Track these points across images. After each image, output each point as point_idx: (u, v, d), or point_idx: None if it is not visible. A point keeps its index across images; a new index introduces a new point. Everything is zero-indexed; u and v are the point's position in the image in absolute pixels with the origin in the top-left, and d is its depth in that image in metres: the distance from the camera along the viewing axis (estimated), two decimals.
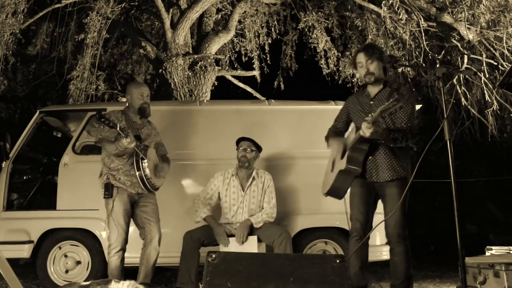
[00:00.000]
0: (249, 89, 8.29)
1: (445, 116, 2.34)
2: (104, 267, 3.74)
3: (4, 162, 4.17)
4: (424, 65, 6.75)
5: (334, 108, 4.16)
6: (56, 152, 4.64)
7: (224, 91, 8.13)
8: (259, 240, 3.59)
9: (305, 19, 7.43)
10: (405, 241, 2.89)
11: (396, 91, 3.00)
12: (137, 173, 3.34)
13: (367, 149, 2.91)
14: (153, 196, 3.56)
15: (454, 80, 6.65)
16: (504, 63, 6.31)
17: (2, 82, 8.46)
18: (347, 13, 7.57)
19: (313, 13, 7.46)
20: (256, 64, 8.22)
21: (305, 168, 4.17)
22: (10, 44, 6.21)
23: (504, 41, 6.13)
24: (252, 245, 3.51)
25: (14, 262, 3.61)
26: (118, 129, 3.18)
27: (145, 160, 3.36)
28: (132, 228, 3.50)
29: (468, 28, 6.25)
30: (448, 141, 2.33)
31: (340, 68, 7.65)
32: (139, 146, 3.36)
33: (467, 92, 6.87)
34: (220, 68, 7.54)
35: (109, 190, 3.34)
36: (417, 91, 7.46)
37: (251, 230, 3.58)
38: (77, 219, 4.04)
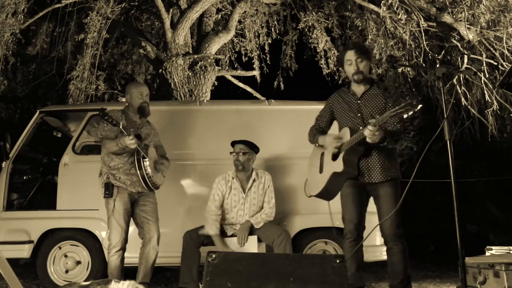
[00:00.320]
0: (249, 89, 8.30)
1: (445, 116, 2.34)
2: (104, 267, 3.74)
3: (4, 162, 4.17)
4: (424, 65, 6.75)
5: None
6: (56, 152, 4.64)
7: (224, 91, 8.13)
8: (259, 240, 3.59)
9: (305, 19, 7.44)
10: (402, 240, 2.87)
11: (386, 90, 3.00)
12: (138, 172, 3.34)
13: (363, 151, 2.89)
14: (153, 195, 3.56)
15: (454, 80, 6.65)
16: (504, 63, 6.31)
17: (2, 82, 8.45)
18: (347, 13, 7.57)
19: (313, 13, 7.47)
20: (256, 64, 8.22)
21: (305, 168, 4.15)
22: (10, 44, 6.21)
23: (504, 41, 6.13)
24: (252, 245, 3.51)
25: (14, 262, 3.61)
26: (121, 127, 3.18)
27: (147, 159, 3.36)
28: (132, 228, 3.50)
29: (468, 28, 6.25)
30: (448, 141, 2.33)
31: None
32: (140, 145, 3.36)
33: (467, 92, 6.87)
34: (220, 68, 7.54)
35: (109, 189, 3.35)
36: (417, 91, 7.47)
37: (251, 230, 3.58)
38: (77, 219, 4.04)
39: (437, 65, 5.97)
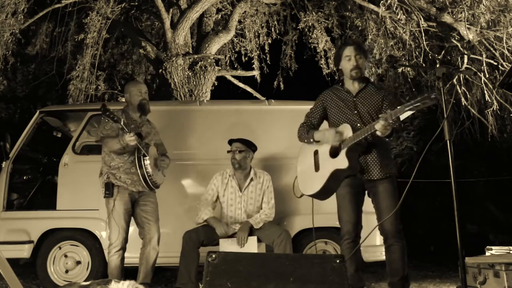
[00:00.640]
0: (249, 89, 8.30)
1: (445, 116, 2.34)
2: (104, 267, 3.74)
3: (4, 162, 4.17)
4: (424, 65, 6.75)
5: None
6: (56, 152, 4.64)
7: (224, 91, 8.13)
8: (259, 240, 3.59)
9: (305, 19, 7.44)
10: (402, 236, 2.85)
11: (381, 90, 3.01)
12: (139, 171, 3.34)
13: (365, 148, 2.87)
14: (154, 195, 3.56)
15: (454, 80, 6.65)
16: (504, 63, 6.31)
17: (2, 82, 8.46)
18: (347, 13, 7.57)
19: (313, 13, 7.47)
20: (256, 64, 8.22)
21: None
22: (10, 44, 6.21)
23: (504, 41, 6.13)
24: (252, 245, 3.51)
25: (14, 262, 3.62)
26: (122, 123, 3.18)
27: (147, 157, 3.36)
28: (132, 228, 3.50)
29: (468, 28, 6.25)
30: (448, 141, 2.33)
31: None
32: (141, 143, 3.36)
33: (467, 92, 6.87)
34: (220, 68, 7.54)
35: (109, 189, 3.35)
36: (417, 91, 7.47)
37: (251, 231, 3.58)
38: (77, 219, 4.04)
39: (437, 65, 5.97)
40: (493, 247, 3.65)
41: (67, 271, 4.02)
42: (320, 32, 7.46)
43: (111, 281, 1.94)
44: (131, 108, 3.57)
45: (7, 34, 6.05)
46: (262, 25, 8.32)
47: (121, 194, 3.36)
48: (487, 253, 3.60)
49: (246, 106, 4.78)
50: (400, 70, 7.03)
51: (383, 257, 4.04)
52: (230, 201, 3.70)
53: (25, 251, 3.93)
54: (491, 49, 6.41)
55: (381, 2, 6.22)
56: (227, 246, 3.51)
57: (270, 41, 8.36)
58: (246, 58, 8.42)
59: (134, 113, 3.57)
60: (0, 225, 4.01)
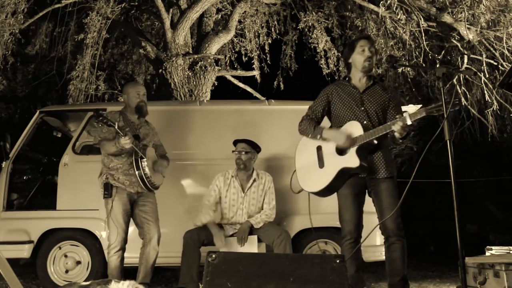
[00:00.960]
0: (249, 89, 8.30)
1: (445, 116, 2.33)
2: (104, 267, 3.74)
3: (4, 162, 4.17)
4: (424, 65, 6.75)
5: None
6: (56, 152, 4.64)
7: (224, 91, 8.13)
8: (259, 240, 3.59)
9: (305, 19, 7.44)
10: (403, 235, 2.84)
11: (387, 90, 3.02)
12: (136, 172, 3.34)
13: (374, 147, 2.84)
14: (153, 195, 3.56)
15: (454, 80, 6.65)
16: (504, 63, 6.31)
17: (2, 82, 8.46)
18: (347, 13, 7.57)
19: (313, 13, 7.47)
20: (256, 64, 8.22)
21: None
22: (9, 44, 6.21)
23: (504, 41, 6.13)
24: (252, 245, 3.51)
25: (14, 262, 3.62)
26: (116, 127, 3.18)
27: (145, 159, 3.36)
28: (132, 228, 3.50)
29: (468, 28, 6.25)
30: (448, 141, 2.33)
31: (340, 68, 7.65)
32: (138, 145, 3.36)
33: (467, 92, 6.87)
34: (220, 68, 7.54)
35: (108, 190, 3.35)
36: (417, 91, 7.47)
37: (251, 231, 3.58)
38: (77, 219, 4.04)
39: (437, 65, 5.97)
40: (493, 247, 3.65)
41: (67, 271, 4.02)
42: (320, 32, 7.46)
43: (111, 281, 1.94)
44: (129, 110, 3.57)
45: (7, 34, 6.05)
46: (262, 25, 8.32)
47: (119, 195, 3.36)
48: (487, 253, 3.60)
49: (246, 106, 4.78)
50: (400, 70, 7.03)
51: (383, 257, 4.04)
52: (232, 202, 3.70)
53: (25, 251, 3.93)
54: (491, 49, 6.41)
55: (381, 2, 6.22)
56: (227, 247, 3.51)
57: (270, 41, 8.36)
58: (246, 58, 8.42)
59: (132, 115, 3.57)
60: (0, 225, 4.01)
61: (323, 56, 7.60)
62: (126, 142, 3.20)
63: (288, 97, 6.39)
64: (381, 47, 6.80)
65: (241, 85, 8.28)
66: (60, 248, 4.06)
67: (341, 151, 2.87)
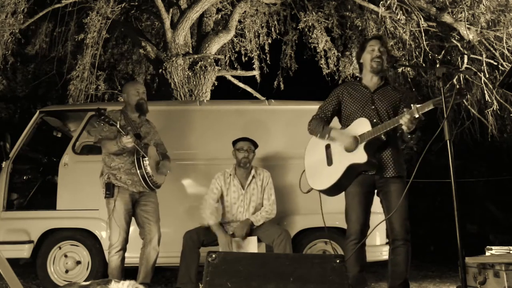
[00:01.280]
0: (249, 89, 8.30)
1: (445, 116, 2.33)
2: (104, 267, 3.74)
3: (4, 162, 4.17)
4: (424, 65, 6.75)
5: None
6: (56, 152, 4.64)
7: (224, 91, 8.13)
8: (259, 240, 3.59)
9: (305, 19, 7.43)
10: (409, 239, 2.82)
11: (399, 90, 3.01)
12: (138, 171, 3.34)
13: (382, 144, 2.82)
14: (154, 195, 3.56)
15: (454, 80, 6.65)
16: (504, 63, 6.31)
17: (2, 82, 8.45)
18: (347, 13, 7.57)
19: (313, 13, 7.47)
20: (256, 64, 8.22)
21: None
22: (9, 44, 6.21)
23: (504, 41, 6.14)
24: (252, 245, 3.51)
25: (14, 262, 3.61)
26: (118, 126, 3.18)
27: (146, 158, 3.36)
28: (132, 228, 3.50)
29: (468, 28, 6.25)
30: (448, 141, 2.32)
31: (340, 68, 7.66)
32: (140, 144, 3.36)
33: (467, 92, 6.86)
34: (220, 68, 7.54)
35: (110, 189, 3.34)
36: (417, 91, 7.47)
37: (251, 230, 3.58)
38: (77, 219, 4.04)
39: (437, 65, 5.96)
40: (493, 247, 3.65)
41: (67, 271, 4.02)
42: (320, 32, 7.46)
43: (111, 281, 1.94)
44: (129, 109, 3.57)
45: (7, 34, 6.04)
46: (262, 25, 8.32)
47: (121, 195, 3.36)
48: (487, 253, 3.60)
49: (246, 106, 4.78)
50: (400, 70, 7.03)
51: (383, 257, 4.05)
52: (233, 200, 3.71)
53: (25, 251, 3.93)
54: (491, 49, 6.41)
55: (381, 2, 6.22)
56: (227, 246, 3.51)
57: (270, 41, 8.35)
58: (246, 58, 8.42)
59: (133, 114, 3.57)
60: (0, 225, 4.01)
61: (323, 56, 7.59)
62: (128, 141, 3.20)
63: (288, 97, 6.39)
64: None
65: (241, 85, 8.28)
66: (60, 248, 4.06)
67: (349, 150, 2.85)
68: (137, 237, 3.52)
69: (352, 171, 2.81)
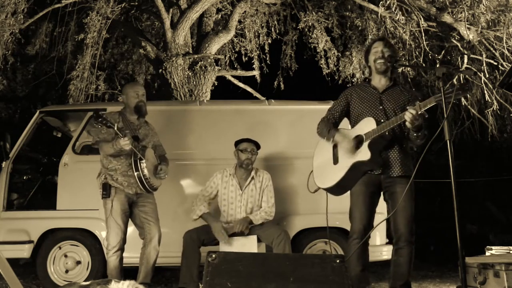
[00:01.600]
0: (249, 89, 8.29)
1: (445, 116, 2.33)
2: (104, 267, 3.74)
3: (4, 162, 4.17)
4: (424, 65, 6.75)
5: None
6: (56, 152, 4.64)
7: (224, 91, 8.13)
8: (259, 240, 3.59)
9: (305, 19, 7.43)
10: (413, 241, 2.82)
11: (408, 91, 3.02)
12: (135, 174, 3.34)
13: (387, 142, 2.84)
14: (152, 196, 3.56)
15: (454, 80, 6.65)
16: (504, 63, 6.31)
17: (2, 82, 8.45)
18: (347, 13, 7.57)
19: (313, 13, 7.46)
20: (256, 64, 8.21)
21: (305, 168, 4.13)
22: (9, 44, 6.20)
23: (504, 41, 6.14)
24: (252, 245, 3.51)
25: (14, 262, 3.62)
26: (116, 128, 3.18)
27: (143, 161, 3.36)
28: (132, 228, 3.50)
29: (468, 28, 6.25)
30: (448, 141, 2.32)
31: (340, 68, 7.66)
32: (137, 146, 3.36)
33: (469, 87, 6.85)
34: (220, 68, 7.54)
35: (107, 190, 3.35)
36: (417, 91, 7.47)
37: (250, 229, 3.58)
38: (77, 219, 4.04)
39: (437, 65, 5.97)
40: (493, 247, 3.65)
41: (67, 271, 4.02)
42: (320, 32, 7.45)
43: (111, 281, 1.94)
44: (128, 111, 3.57)
45: (7, 34, 6.04)
46: (262, 25, 8.31)
47: (118, 195, 3.36)
48: (487, 253, 3.60)
49: (246, 106, 4.77)
50: (400, 70, 7.03)
51: (383, 257, 4.05)
52: (231, 199, 3.71)
53: (25, 251, 3.92)
54: (491, 49, 6.41)
55: (381, 2, 6.22)
56: (227, 246, 3.50)
57: (270, 41, 8.35)
58: (246, 58, 8.42)
59: (131, 115, 3.56)
60: (0, 225, 4.01)
61: (323, 56, 7.59)
62: (125, 143, 3.20)
63: (288, 97, 6.40)
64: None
65: (241, 85, 8.28)
66: (60, 248, 4.06)
67: (356, 147, 2.87)
68: (136, 237, 3.52)
69: (356, 169, 2.83)
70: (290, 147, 4.28)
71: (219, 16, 8.06)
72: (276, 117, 4.46)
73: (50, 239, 4.03)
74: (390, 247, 3.07)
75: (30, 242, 3.96)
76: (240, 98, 7.55)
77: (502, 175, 9.05)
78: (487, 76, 6.44)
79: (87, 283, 2.01)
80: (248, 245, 3.51)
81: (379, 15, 6.63)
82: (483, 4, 5.97)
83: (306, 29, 7.58)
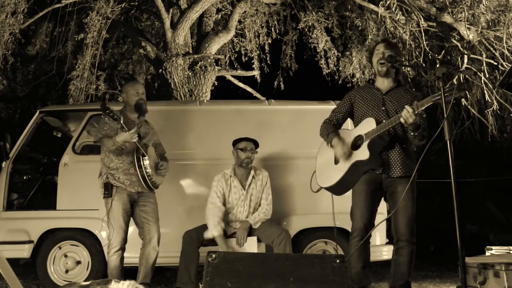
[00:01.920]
0: (249, 89, 8.29)
1: (445, 116, 2.33)
2: (104, 267, 3.74)
3: (4, 162, 4.17)
4: (424, 65, 6.75)
5: (334, 108, 4.15)
6: (56, 152, 4.64)
7: (224, 91, 8.13)
8: (259, 240, 3.59)
9: (305, 19, 7.43)
10: (414, 241, 2.83)
11: (411, 92, 3.04)
12: (138, 171, 3.34)
13: (387, 143, 2.85)
14: (153, 195, 3.56)
15: (454, 80, 6.65)
16: (504, 63, 6.31)
17: (2, 82, 8.45)
18: (347, 13, 7.57)
19: (313, 13, 7.46)
20: (256, 64, 8.21)
21: (305, 168, 4.14)
22: (9, 44, 6.20)
23: (504, 41, 6.14)
24: (252, 246, 3.51)
25: (14, 262, 3.61)
26: (121, 121, 3.18)
27: (146, 157, 3.36)
28: (132, 227, 3.50)
29: (468, 28, 6.25)
30: (448, 141, 2.32)
31: (340, 68, 7.65)
32: (140, 142, 3.36)
33: (467, 92, 6.86)
34: (220, 68, 7.54)
35: (108, 189, 3.35)
36: (417, 91, 7.46)
37: (251, 230, 3.58)
38: (77, 219, 4.04)
39: (437, 65, 5.97)
40: (493, 247, 3.65)
41: (67, 271, 4.02)
42: (320, 32, 7.45)
43: (111, 281, 1.94)
44: (128, 109, 3.57)
45: (7, 34, 6.04)
46: (262, 25, 8.31)
47: (119, 195, 3.36)
48: (487, 253, 3.60)
49: (246, 106, 4.77)
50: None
51: (383, 257, 4.05)
52: (235, 201, 3.70)
53: (25, 251, 3.92)
54: (491, 49, 6.41)
55: (381, 2, 6.22)
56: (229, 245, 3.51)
57: (270, 41, 8.34)
58: (246, 58, 8.41)
59: (132, 114, 3.57)
60: (0, 225, 4.01)
61: (323, 56, 7.59)
62: (133, 134, 3.19)
63: (288, 97, 6.40)
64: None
65: (241, 85, 8.28)
66: (60, 248, 4.06)
67: (355, 147, 2.89)
68: (136, 237, 3.52)
69: (356, 168, 2.84)
70: (290, 147, 4.28)
71: (219, 16, 8.06)
72: (276, 117, 4.46)
73: (50, 239, 4.03)
74: (390, 247, 3.08)
75: (30, 242, 3.96)
76: (240, 98, 7.55)
77: (502, 175, 9.05)
78: (487, 76, 6.44)
79: (87, 283, 2.01)
80: (248, 245, 3.50)
81: (379, 15, 6.62)
82: (483, 4, 5.97)
83: (306, 29, 7.58)
